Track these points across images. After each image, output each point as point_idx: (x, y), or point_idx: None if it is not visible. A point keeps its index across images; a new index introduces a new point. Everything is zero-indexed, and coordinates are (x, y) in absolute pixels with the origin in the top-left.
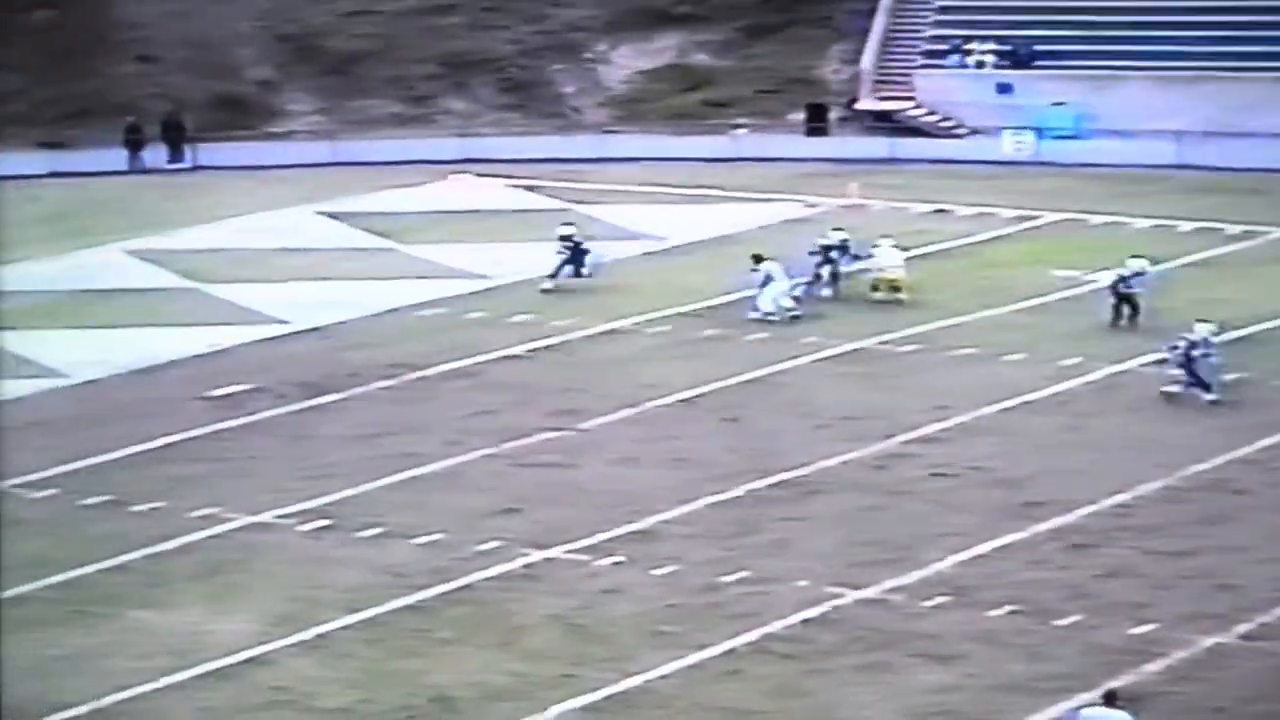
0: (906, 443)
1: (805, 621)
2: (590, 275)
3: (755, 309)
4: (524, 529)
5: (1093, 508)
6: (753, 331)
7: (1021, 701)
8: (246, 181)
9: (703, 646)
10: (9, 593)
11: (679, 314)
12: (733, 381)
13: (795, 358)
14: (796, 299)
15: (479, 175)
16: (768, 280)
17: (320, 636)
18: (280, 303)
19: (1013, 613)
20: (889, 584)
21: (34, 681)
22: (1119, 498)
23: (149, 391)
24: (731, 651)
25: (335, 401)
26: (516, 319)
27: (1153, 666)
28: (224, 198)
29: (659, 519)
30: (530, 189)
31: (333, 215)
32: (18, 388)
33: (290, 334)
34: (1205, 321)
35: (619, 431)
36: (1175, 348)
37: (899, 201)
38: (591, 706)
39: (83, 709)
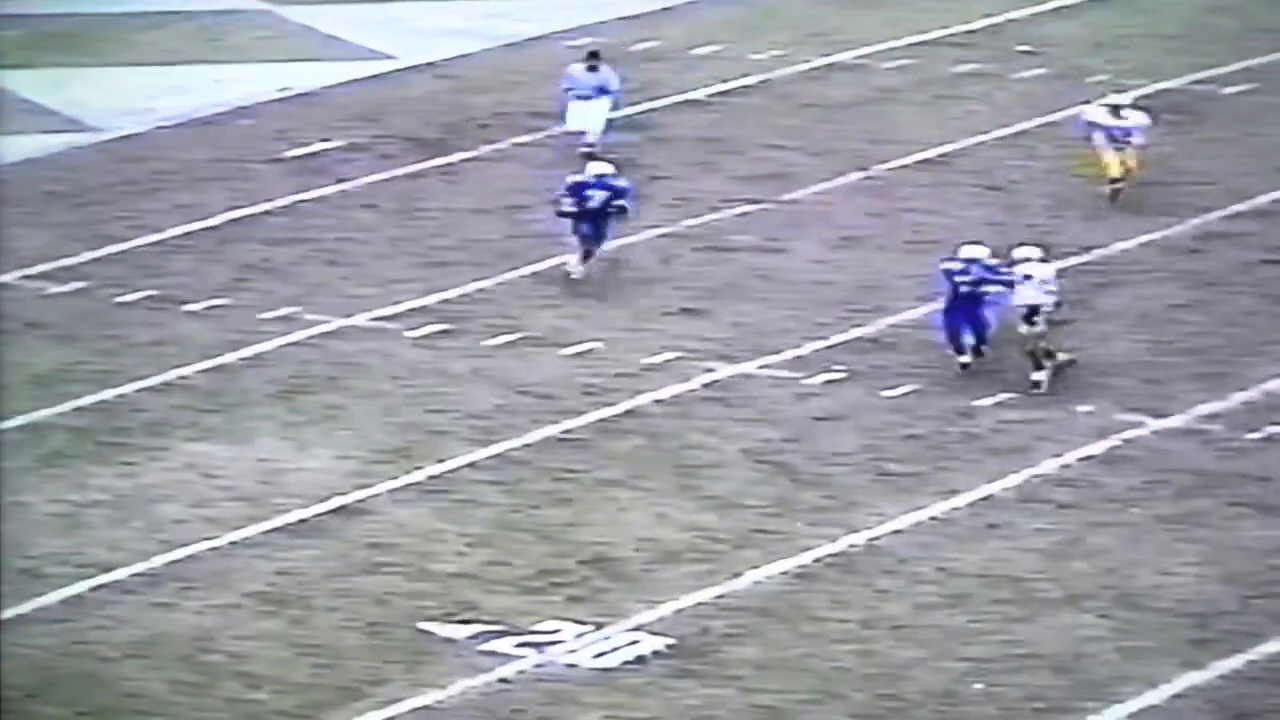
0: (1232, 217)
1: (1089, 459)
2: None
3: (575, 131)
4: (710, 335)
5: None
6: (1026, 66)
7: None
8: None
9: (951, 492)
10: (23, 419)
11: (925, 42)
12: (996, 135)
13: (1084, 103)
14: (610, 121)
15: None
16: (602, 92)
17: (436, 478)
18: (382, 28)
19: None
20: (1203, 409)
21: (59, 535)
22: None
23: (206, 150)
24: (990, 499)
25: (457, 164)
26: (702, 50)
27: None
28: None
29: (894, 322)
30: None
31: None
32: (30, 145)
33: (396, 71)
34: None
35: (841, 203)
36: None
37: None
38: (801, 572)
39: (123, 571)
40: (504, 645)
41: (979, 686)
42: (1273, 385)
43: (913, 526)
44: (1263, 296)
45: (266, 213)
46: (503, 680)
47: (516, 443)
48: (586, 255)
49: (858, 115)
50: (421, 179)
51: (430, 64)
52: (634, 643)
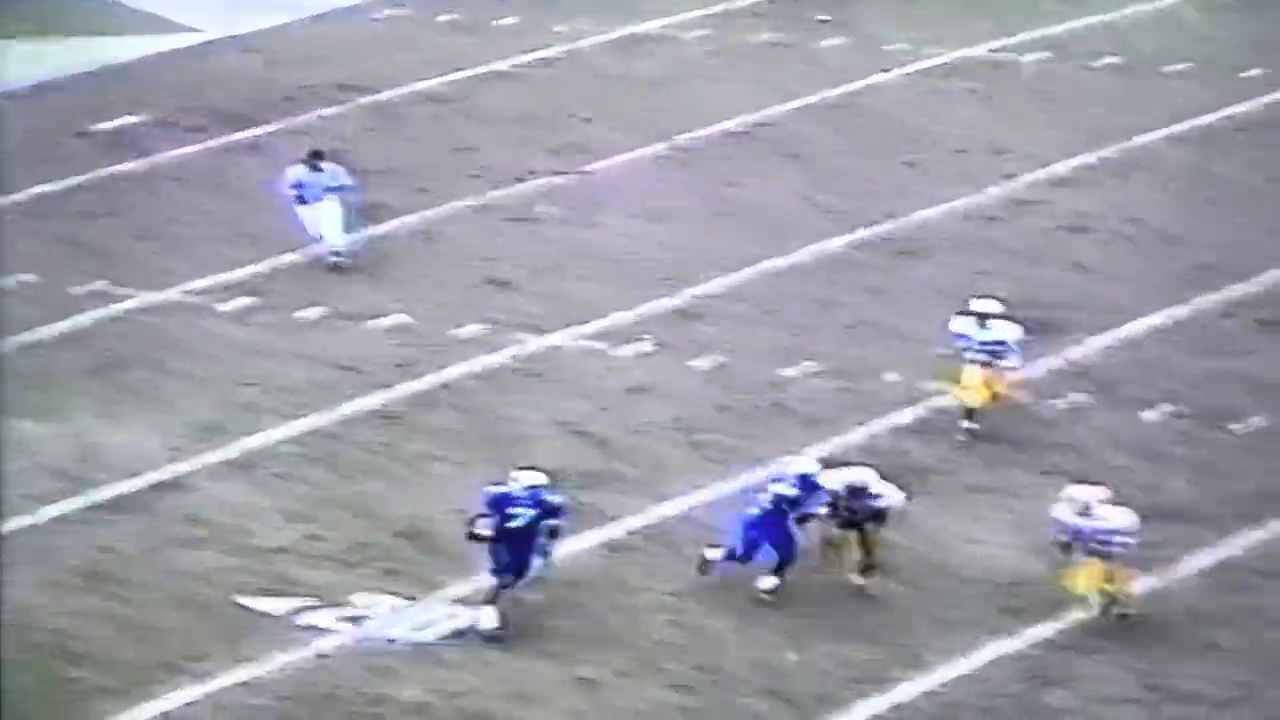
0: (1034, 185)
1: (898, 428)
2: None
3: (321, 242)
4: (519, 308)
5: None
6: (827, 36)
7: (1188, 532)
8: None
9: (761, 460)
10: None
11: (727, 13)
12: (799, 104)
13: (883, 72)
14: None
15: None
16: (330, 190)
17: (252, 453)
18: (190, 2)
19: (1176, 415)
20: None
21: None
22: None
23: (14, 125)
24: None
25: (265, 136)
26: (505, 22)
27: None
28: None
29: (700, 293)
30: None
31: None
32: None
33: (203, 45)
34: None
35: (645, 175)
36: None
37: None
38: (614, 544)
39: None
40: (322, 619)
41: (793, 657)
42: (1078, 353)
43: (724, 497)
44: (1065, 265)
45: (77, 187)
46: (321, 655)
47: (330, 417)
48: (501, 587)
49: (662, 86)
50: (230, 153)
51: (237, 37)
52: (452, 616)
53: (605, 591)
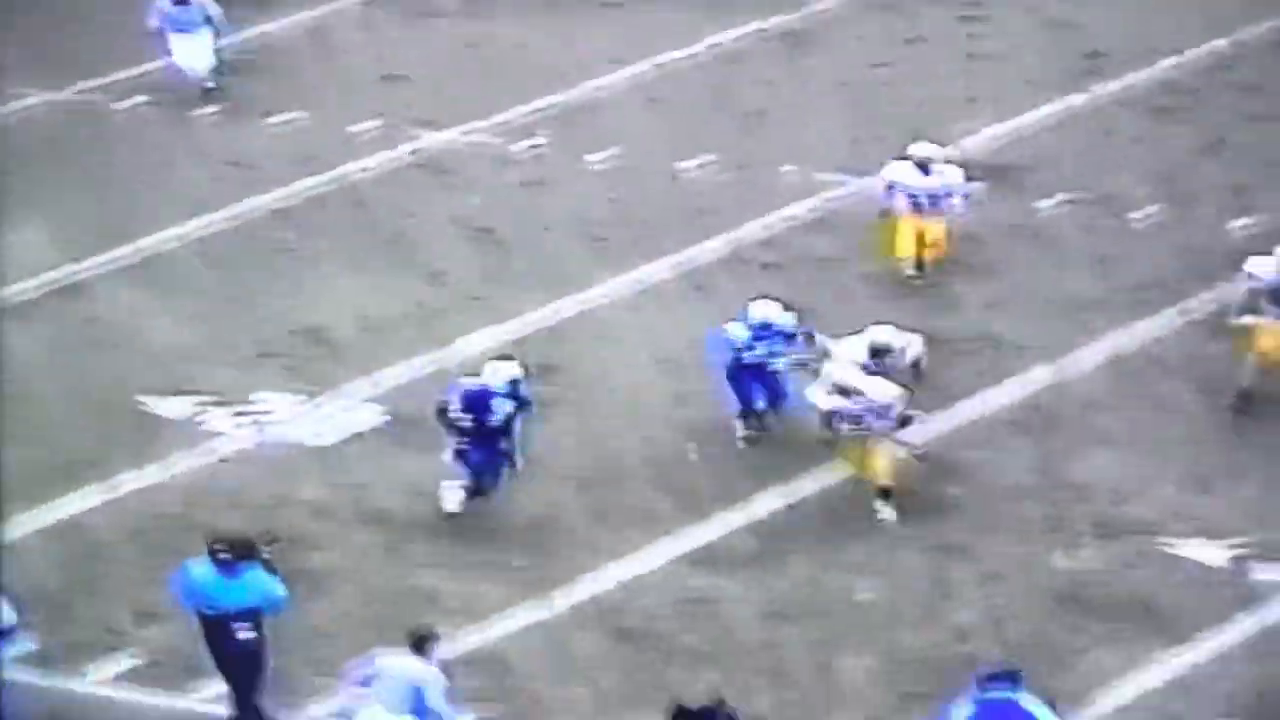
0: None
1: (792, 223)
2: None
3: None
4: (413, 102)
5: (1177, 59)
6: None
7: (1086, 319)
8: None
9: (659, 254)
10: None
11: None
12: None
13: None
14: (220, 66)
15: None
16: (197, 24)
17: (149, 255)
18: None
19: (1069, 203)
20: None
21: None
22: (1214, 45)
23: None
24: (695, 262)
25: None
26: None
27: None
28: None
29: (594, 86)
30: None
31: None
32: None
33: None
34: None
35: None
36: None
37: None
38: (512, 340)
39: None
40: (223, 421)
41: (694, 456)
42: (973, 141)
43: (620, 291)
44: (961, 55)
45: None
46: (223, 458)
47: (224, 217)
48: (475, 492)
49: None
50: None
51: None
52: (350, 413)
53: None
